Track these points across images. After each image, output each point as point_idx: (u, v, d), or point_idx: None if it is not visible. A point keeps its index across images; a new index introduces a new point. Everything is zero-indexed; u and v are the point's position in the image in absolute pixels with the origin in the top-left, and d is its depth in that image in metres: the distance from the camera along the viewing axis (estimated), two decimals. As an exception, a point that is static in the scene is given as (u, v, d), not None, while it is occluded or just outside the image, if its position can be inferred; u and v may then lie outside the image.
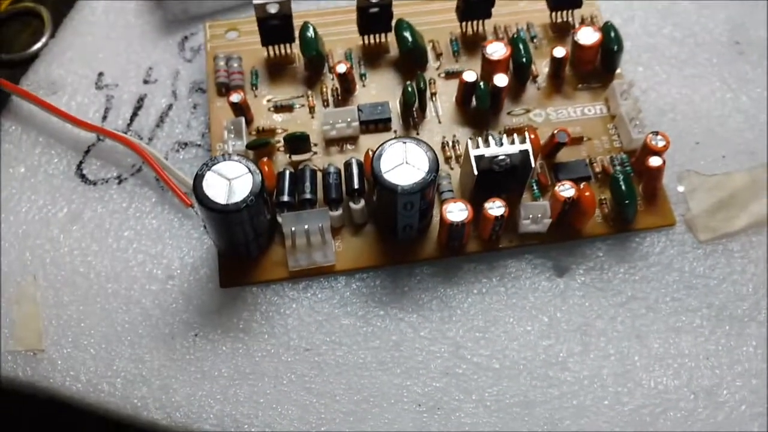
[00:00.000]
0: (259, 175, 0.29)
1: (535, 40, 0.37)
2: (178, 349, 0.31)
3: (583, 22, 0.38)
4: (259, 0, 0.34)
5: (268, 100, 0.36)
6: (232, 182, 0.29)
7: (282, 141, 0.34)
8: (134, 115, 0.37)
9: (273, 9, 0.34)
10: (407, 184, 0.29)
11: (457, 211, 0.31)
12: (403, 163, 0.30)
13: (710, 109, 0.37)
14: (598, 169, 0.34)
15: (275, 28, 0.35)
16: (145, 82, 0.38)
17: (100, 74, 0.38)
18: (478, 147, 0.31)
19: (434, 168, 0.30)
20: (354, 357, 0.31)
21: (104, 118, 0.37)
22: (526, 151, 0.31)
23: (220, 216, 0.29)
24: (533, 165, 0.31)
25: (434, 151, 0.30)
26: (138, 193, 0.35)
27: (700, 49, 0.39)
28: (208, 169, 0.29)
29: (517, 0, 0.38)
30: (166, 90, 0.38)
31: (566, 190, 0.31)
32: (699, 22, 0.40)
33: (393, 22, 0.36)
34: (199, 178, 0.29)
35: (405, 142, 0.30)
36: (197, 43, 0.39)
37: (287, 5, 0.34)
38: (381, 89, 0.36)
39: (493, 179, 0.32)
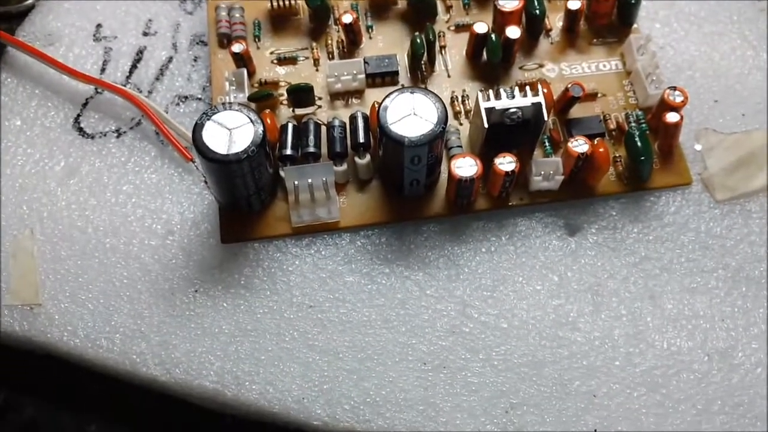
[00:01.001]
0: (261, 125, 0.28)
1: (548, -8, 0.36)
2: (177, 305, 0.30)
3: (599, -25, 0.37)
4: (262, -54, 0.33)
5: (271, 53, 0.34)
6: (232, 132, 0.28)
7: (285, 94, 0.33)
8: (133, 67, 0.36)
9: (276, -44, 0.33)
10: (415, 136, 0.28)
11: (466, 166, 0.30)
12: (410, 114, 0.29)
13: (730, 66, 0.36)
14: (612, 126, 0.33)
15: (279, -24, 0.34)
16: (145, 34, 0.37)
17: (98, 26, 0.37)
18: (488, 99, 0.30)
19: (443, 119, 0.29)
20: (358, 314, 0.30)
21: (102, 70, 0.36)
22: (538, 104, 0.30)
23: (220, 167, 0.28)
24: (546, 118, 0.30)
25: (443, 102, 0.29)
26: (137, 147, 0.34)
27: (721, 6, 0.38)
28: (208, 119, 0.28)
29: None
30: (166, 42, 0.36)
31: (580, 145, 0.30)
32: (720, -23, 0.39)
33: (402, -29, 0.35)
34: (198, 128, 0.28)
35: (413, 93, 0.29)
36: (199, -6, 0.38)
37: (291, -48, 0.33)
38: (388, 42, 0.35)
39: (503, 133, 0.30)
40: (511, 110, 0.30)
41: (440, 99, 0.29)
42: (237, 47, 0.32)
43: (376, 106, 0.32)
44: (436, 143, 0.29)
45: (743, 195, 0.33)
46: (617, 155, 0.32)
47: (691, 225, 0.32)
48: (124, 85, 0.35)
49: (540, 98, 0.30)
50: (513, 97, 0.30)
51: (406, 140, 0.28)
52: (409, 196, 0.32)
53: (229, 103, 0.29)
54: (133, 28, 0.37)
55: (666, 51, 0.36)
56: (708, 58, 0.36)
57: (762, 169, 0.33)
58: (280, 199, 0.32)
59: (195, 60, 0.36)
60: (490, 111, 0.30)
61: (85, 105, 0.35)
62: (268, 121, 0.31)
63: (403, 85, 0.34)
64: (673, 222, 0.32)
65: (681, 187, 0.33)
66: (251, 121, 0.28)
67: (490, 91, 0.30)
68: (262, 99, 0.32)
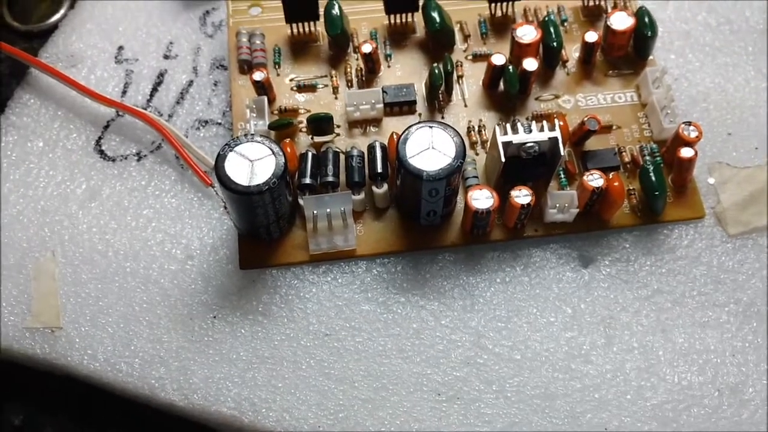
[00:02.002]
0: (282, 156, 0.29)
1: (565, 24, 0.36)
2: (196, 330, 0.31)
3: (615, 6, 0.37)
4: (283, -25, 0.33)
5: (291, 80, 0.35)
6: (254, 164, 0.29)
7: (305, 122, 0.33)
8: (154, 90, 0.36)
9: (298, -15, 0.34)
10: (433, 170, 0.29)
11: (483, 199, 0.30)
12: (429, 148, 0.29)
13: (744, 98, 0.36)
14: (627, 159, 0.33)
15: (299, 4, 0.34)
16: (166, 57, 0.37)
17: (120, 48, 0.37)
18: (506, 133, 0.30)
19: (461, 154, 0.29)
20: (374, 344, 0.30)
21: (124, 93, 0.36)
22: (555, 139, 0.30)
23: (241, 198, 0.28)
24: (562, 153, 0.30)
25: (461, 137, 0.29)
26: (157, 171, 0.34)
27: (735, 37, 0.38)
28: (231, 150, 0.29)
29: (549, -19, 0.37)
30: (187, 66, 0.37)
31: (595, 179, 0.31)
32: (735, 8, 0.39)
33: (421, 2, 0.35)
34: (221, 159, 0.29)
35: (432, 127, 0.30)
36: (219, 18, 0.38)
37: (313, -18, 0.34)
38: (406, 70, 0.35)
39: (520, 166, 0.31)
40: (528, 144, 0.30)
41: (458, 133, 0.29)
42: (258, 75, 0.33)
43: (395, 137, 0.32)
44: (453, 177, 0.29)
45: (756, 230, 0.33)
46: (631, 188, 0.33)
47: (703, 259, 0.32)
48: (145, 108, 0.36)
49: (557, 133, 0.30)
50: (530, 131, 0.30)
51: (424, 174, 0.29)
52: (425, 225, 0.32)
53: (251, 134, 0.29)
54: (154, 50, 0.37)
55: (681, 83, 0.37)
56: (722, 90, 0.36)
57: (775, 204, 0.33)
58: (298, 226, 0.32)
59: (215, 84, 0.36)
60: (507, 145, 0.30)
61: (106, 127, 0.35)
62: (288, 150, 0.32)
63: (420, 114, 0.34)
64: (685, 255, 0.32)
65: (694, 221, 0.33)
66: (273, 152, 0.29)
67: (508, 125, 0.30)
68: (282, 127, 0.33)
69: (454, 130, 0.30)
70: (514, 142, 0.30)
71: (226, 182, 0.28)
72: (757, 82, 0.37)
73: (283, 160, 0.29)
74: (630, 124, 0.34)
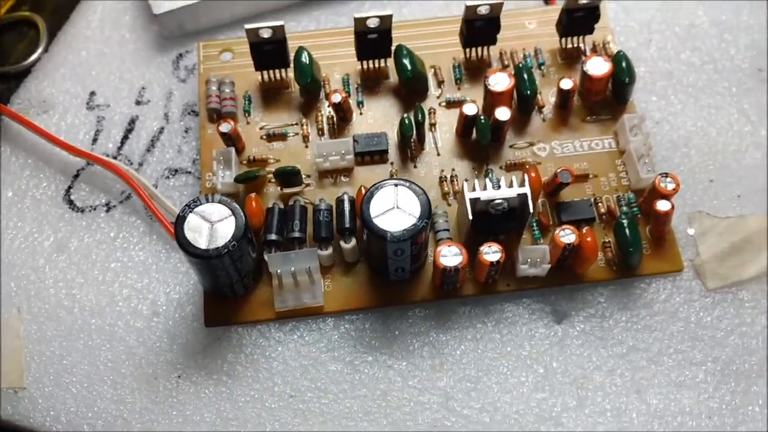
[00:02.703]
0: (243, 218, 0.28)
1: (542, 68, 0.35)
2: (160, 390, 0.30)
3: (594, 49, 0.36)
4: (251, 25, 0.33)
5: (261, 128, 0.34)
6: (214, 225, 0.28)
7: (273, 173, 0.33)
8: (125, 138, 0.36)
9: (266, 34, 0.33)
10: (397, 231, 0.28)
11: (450, 256, 0.30)
12: (393, 208, 0.29)
13: (727, 143, 0.35)
14: (603, 210, 0.32)
15: (269, 52, 0.34)
16: (138, 102, 0.37)
17: (92, 93, 0.37)
18: (474, 189, 0.30)
19: (426, 214, 0.28)
20: (339, 406, 0.30)
21: (94, 140, 0.36)
22: (524, 195, 0.29)
23: (201, 261, 0.28)
24: (531, 211, 0.29)
25: (427, 196, 0.29)
26: (126, 222, 0.34)
27: (720, 76, 0.37)
28: (191, 211, 0.28)
29: (525, 22, 0.37)
30: (159, 112, 0.36)
31: (567, 235, 0.30)
32: (720, 47, 0.38)
33: (393, 47, 0.34)
34: (180, 221, 0.28)
35: (397, 185, 0.29)
36: (192, 61, 0.38)
37: (281, 30, 0.33)
38: (379, 117, 0.35)
39: (489, 221, 0.30)
40: (497, 201, 0.29)
41: (424, 191, 0.29)
42: (225, 127, 0.32)
43: (362, 191, 0.32)
44: (419, 237, 0.28)
45: (735, 283, 0.32)
46: (607, 240, 0.32)
47: (681, 314, 0.32)
48: (116, 157, 0.35)
49: (526, 189, 0.29)
50: (498, 187, 0.30)
51: (388, 235, 0.28)
52: (394, 280, 0.31)
53: (212, 195, 0.29)
54: (126, 96, 0.37)
55: (662, 126, 0.36)
56: (704, 134, 0.36)
57: (756, 256, 0.32)
58: (264, 282, 0.32)
59: (186, 131, 0.36)
60: (474, 201, 0.30)
61: (76, 176, 0.35)
62: (254, 204, 0.31)
63: (392, 163, 0.34)
64: (662, 311, 0.32)
65: (672, 274, 0.32)
66: (234, 213, 0.28)
67: (476, 181, 0.30)
68: (249, 180, 0.32)
69: (420, 188, 0.29)
70: (482, 198, 0.29)
71: (184, 245, 0.28)
72: (740, 125, 0.36)
73: (243, 222, 0.28)
74: (607, 173, 0.33)
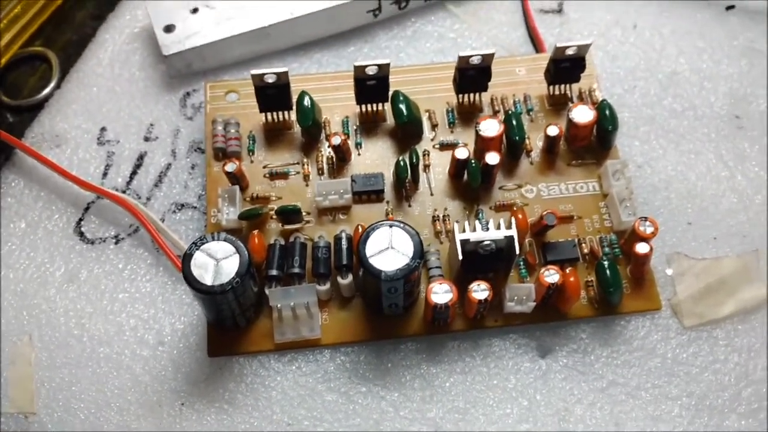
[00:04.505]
0: (246, 255, 0.30)
1: (531, 113, 0.38)
2: (164, 417, 0.32)
3: (581, 96, 0.38)
4: (256, 70, 0.35)
5: (265, 166, 0.36)
6: (220, 262, 0.30)
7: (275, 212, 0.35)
8: (134, 173, 0.38)
9: (270, 79, 0.35)
10: (391, 271, 0.30)
11: (441, 293, 0.31)
12: (388, 248, 0.30)
13: (705, 187, 0.37)
14: (587, 250, 0.34)
15: (272, 96, 0.36)
16: (146, 139, 0.39)
17: (103, 129, 0.39)
18: (464, 231, 0.32)
19: (419, 254, 0.30)
20: (334, 434, 0.31)
21: (104, 174, 0.38)
22: (511, 237, 0.31)
23: (206, 296, 0.30)
24: (517, 252, 0.31)
25: (419, 237, 0.31)
26: (134, 254, 0.36)
27: (700, 122, 0.39)
28: (197, 249, 0.30)
29: (516, 69, 0.39)
30: (166, 148, 0.38)
31: (551, 275, 0.32)
32: (700, 94, 0.40)
33: (390, 92, 0.36)
34: (187, 258, 0.30)
35: (391, 226, 0.31)
36: (199, 100, 0.40)
37: (285, 75, 0.35)
38: (376, 158, 0.37)
39: (478, 260, 0.32)
40: (485, 242, 0.31)
41: (417, 233, 0.31)
42: (230, 167, 0.34)
43: (359, 230, 0.33)
44: (411, 276, 0.30)
45: (710, 322, 0.34)
46: (589, 279, 0.34)
47: (658, 350, 0.33)
48: (125, 191, 0.37)
49: (513, 232, 0.31)
50: (487, 229, 0.32)
51: (382, 275, 0.30)
52: (388, 315, 0.33)
53: (218, 233, 0.30)
54: (135, 132, 0.39)
55: (644, 170, 0.38)
56: (684, 178, 0.37)
57: (730, 296, 0.34)
58: (265, 315, 0.33)
59: (192, 167, 0.38)
60: (465, 242, 0.31)
61: (86, 209, 0.37)
62: (256, 241, 0.33)
63: (388, 202, 0.36)
64: (641, 347, 0.33)
65: (651, 312, 0.34)
66: (238, 251, 0.30)
67: (466, 222, 0.32)
68: (252, 218, 0.34)
69: (413, 229, 0.31)
70: (471, 240, 0.31)
71: (191, 281, 0.30)
72: (718, 170, 0.38)
73: (247, 259, 0.30)
74: (591, 214, 0.35)
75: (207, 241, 0.30)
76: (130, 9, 0.43)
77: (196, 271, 0.30)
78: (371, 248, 0.30)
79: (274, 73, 0.35)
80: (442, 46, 0.42)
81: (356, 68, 0.35)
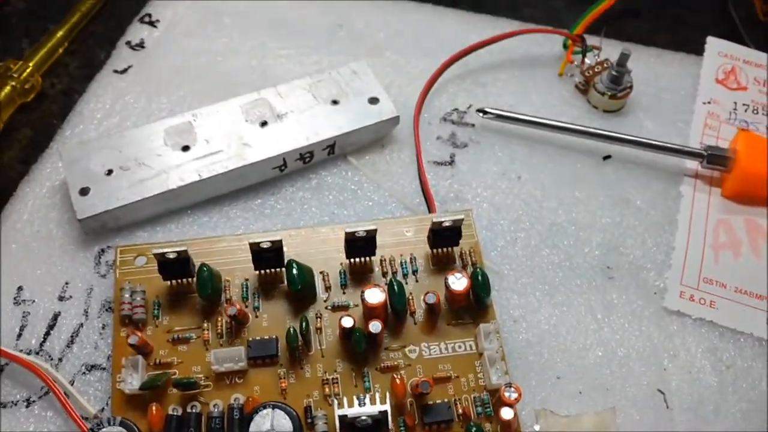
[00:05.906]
0: (140, 441, 0.33)
1: (416, 274, 0.41)
2: None
3: (462, 256, 0.42)
4: (158, 249, 0.38)
5: (168, 331, 0.39)
6: (114, 449, 0.33)
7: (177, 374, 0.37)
8: (47, 334, 0.40)
9: (172, 255, 0.38)
10: (272, 452, 0.33)
11: (325, 460, 0.35)
12: (270, 430, 0.34)
13: (573, 341, 0.41)
14: (461, 410, 0.38)
15: (175, 267, 0.39)
16: (60, 298, 0.41)
17: (20, 288, 0.41)
18: (342, 407, 0.35)
19: (297, 434, 0.33)
20: None
21: (19, 335, 0.40)
22: (385, 412, 0.35)
23: (102, 481, 0.32)
24: (390, 427, 0.35)
25: (297, 418, 0.34)
26: (44, 418, 0.38)
27: (573, 273, 0.43)
28: (93, 436, 0.33)
29: (404, 230, 0.42)
30: (80, 308, 0.41)
31: (423, 443, 0.35)
32: (575, 245, 0.44)
33: (286, 259, 0.40)
34: (83, 446, 0.33)
35: (273, 408, 0.34)
36: (112, 257, 0.42)
37: (185, 252, 0.38)
38: (273, 320, 0.40)
39: (356, 430, 0.35)
40: (361, 418, 0.35)
41: (296, 414, 0.34)
42: (133, 339, 0.37)
43: (250, 401, 0.36)
44: (291, 454, 0.33)
45: (571, 477, 0.37)
46: (464, 439, 0.37)
47: (525, 506, 0.37)
48: (38, 352, 0.40)
49: (386, 407, 0.35)
50: (364, 404, 0.35)
51: (264, 456, 0.33)
52: (278, 479, 0.36)
53: (114, 418, 0.33)
54: (51, 291, 0.41)
55: (519, 324, 0.41)
56: (556, 332, 0.41)
57: (589, 451, 0.38)
58: (164, 483, 0.36)
59: (103, 327, 0.40)
60: (343, 417, 0.35)
61: (1, 371, 0.39)
62: (154, 412, 0.36)
63: (282, 364, 0.39)
64: (509, 502, 0.37)
65: (519, 469, 0.37)
66: (130, 438, 0.33)
67: (345, 398, 0.35)
68: (153, 388, 0.37)
69: (292, 411, 0.34)
70: (348, 415, 0.35)
71: (86, 469, 0.32)
72: (587, 323, 0.41)
73: (140, 445, 0.33)
74: (467, 373, 0.39)
75: (103, 427, 0.33)
76: (52, 161, 0.46)
77: (91, 458, 0.32)
78: (254, 429, 0.34)
79: (175, 251, 0.38)
80: (343, 198, 0.45)
81: (251, 244, 0.38)
